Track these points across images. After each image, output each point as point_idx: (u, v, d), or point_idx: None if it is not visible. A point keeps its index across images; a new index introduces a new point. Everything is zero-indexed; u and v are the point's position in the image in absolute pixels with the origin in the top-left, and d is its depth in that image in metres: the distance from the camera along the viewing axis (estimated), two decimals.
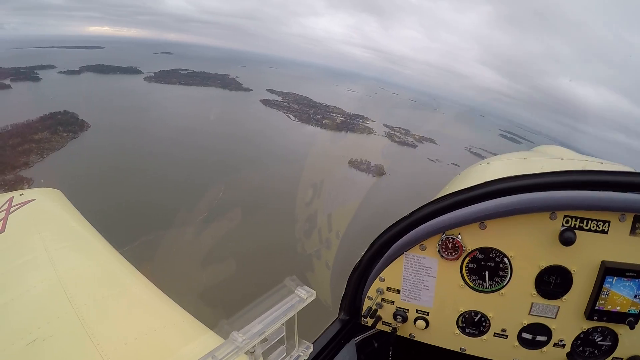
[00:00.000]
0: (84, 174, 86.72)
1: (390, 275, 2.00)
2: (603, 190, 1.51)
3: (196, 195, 72.23)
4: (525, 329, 1.80)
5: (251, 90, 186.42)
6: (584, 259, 1.61)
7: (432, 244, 1.80)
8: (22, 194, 5.98)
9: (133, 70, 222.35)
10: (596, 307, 1.60)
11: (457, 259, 1.76)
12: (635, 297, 1.59)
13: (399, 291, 2.02)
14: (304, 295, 1.14)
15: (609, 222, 1.54)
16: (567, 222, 1.57)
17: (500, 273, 1.73)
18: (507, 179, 1.62)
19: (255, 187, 78.08)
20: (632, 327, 1.62)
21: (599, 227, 1.55)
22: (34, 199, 5.82)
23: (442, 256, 1.78)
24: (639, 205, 1.49)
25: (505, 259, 1.70)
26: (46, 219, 5.41)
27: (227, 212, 64.41)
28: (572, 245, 1.56)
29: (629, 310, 1.60)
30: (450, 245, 1.74)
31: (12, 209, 5.46)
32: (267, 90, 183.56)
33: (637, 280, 1.56)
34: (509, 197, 1.59)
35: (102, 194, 75.50)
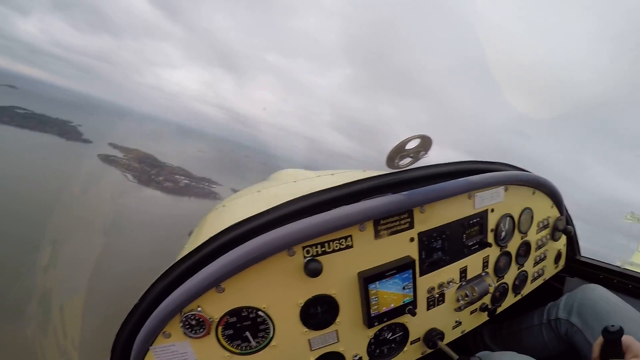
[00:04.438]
0: None
1: None
2: (334, 207, 1.45)
3: None
4: None
5: (91, 142, 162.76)
6: (339, 279, 1.53)
7: (175, 327, 1.39)
8: None
9: None
10: (372, 315, 1.58)
11: (208, 333, 1.42)
12: (404, 288, 1.62)
13: None
14: None
15: (350, 236, 1.49)
16: (307, 252, 1.44)
17: (262, 327, 1.47)
18: (231, 228, 1.38)
19: None
20: (413, 314, 1.66)
21: (343, 245, 1.48)
22: None
23: (191, 336, 1.41)
24: (371, 211, 1.45)
25: (260, 312, 1.45)
26: None
27: None
28: (323, 273, 1.46)
29: (403, 302, 1.65)
30: (194, 321, 1.39)
31: None
32: (110, 144, 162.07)
33: (397, 274, 1.59)
34: (237, 248, 1.34)
35: None
